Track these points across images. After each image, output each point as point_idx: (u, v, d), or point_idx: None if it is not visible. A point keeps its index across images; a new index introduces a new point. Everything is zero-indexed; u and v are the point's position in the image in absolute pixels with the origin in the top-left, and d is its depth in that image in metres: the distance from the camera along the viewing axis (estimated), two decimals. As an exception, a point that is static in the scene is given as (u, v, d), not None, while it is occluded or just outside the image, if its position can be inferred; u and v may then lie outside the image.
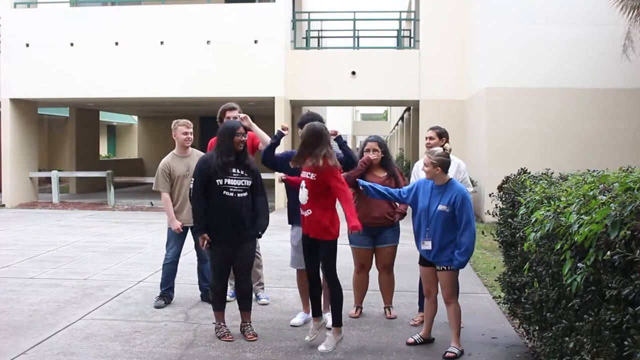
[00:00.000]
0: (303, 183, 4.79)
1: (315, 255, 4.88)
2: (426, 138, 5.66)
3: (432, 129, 5.70)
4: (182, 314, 5.84)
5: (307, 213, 4.80)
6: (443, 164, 4.69)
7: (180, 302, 6.19)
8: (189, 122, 6.24)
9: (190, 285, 6.61)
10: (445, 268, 4.71)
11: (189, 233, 6.09)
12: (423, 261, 4.91)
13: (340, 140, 5.17)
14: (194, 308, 6.03)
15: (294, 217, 5.42)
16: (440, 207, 4.67)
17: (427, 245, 4.74)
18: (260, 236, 5.26)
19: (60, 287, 6.82)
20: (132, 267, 8.02)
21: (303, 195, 4.79)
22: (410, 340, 4.99)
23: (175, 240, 6.15)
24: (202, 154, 6.21)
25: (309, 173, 4.76)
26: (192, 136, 6.22)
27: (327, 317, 5.26)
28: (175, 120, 6.26)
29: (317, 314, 4.94)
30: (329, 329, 4.92)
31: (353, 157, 5.14)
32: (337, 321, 4.83)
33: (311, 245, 4.87)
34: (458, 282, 5.11)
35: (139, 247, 9.52)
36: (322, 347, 4.74)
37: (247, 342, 4.99)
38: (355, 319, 5.66)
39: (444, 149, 4.82)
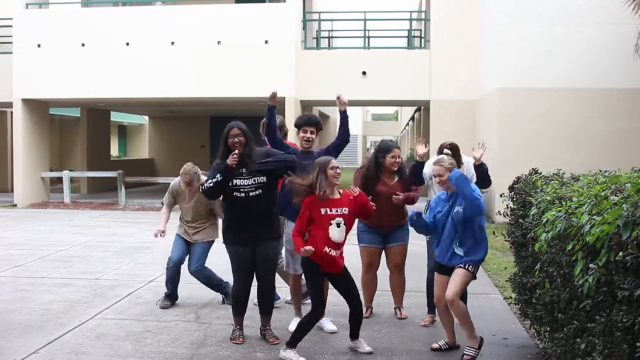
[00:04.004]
0: (339, 220, 4.59)
1: (322, 279, 4.78)
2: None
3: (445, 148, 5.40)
4: (193, 313, 5.86)
5: (338, 252, 4.64)
6: (454, 167, 4.78)
7: (190, 302, 6.22)
8: (190, 174, 5.89)
9: (200, 285, 6.61)
10: (462, 265, 4.64)
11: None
12: (440, 269, 4.84)
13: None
14: (204, 308, 6.05)
15: (287, 209, 5.20)
16: (457, 209, 4.66)
17: (460, 251, 4.68)
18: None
19: (71, 287, 6.87)
20: (143, 266, 8.06)
21: (340, 234, 4.60)
22: (435, 345, 4.89)
23: (177, 246, 6.15)
24: None
25: (343, 209, 4.64)
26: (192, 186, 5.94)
27: (324, 322, 5.29)
28: (183, 168, 5.96)
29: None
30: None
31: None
32: (357, 334, 4.85)
33: (322, 275, 4.76)
34: (466, 291, 5.01)
35: (149, 247, 9.54)
36: (367, 348, 4.78)
37: (257, 342, 5.00)
38: (366, 319, 5.62)
39: (445, 154, 4.97)
